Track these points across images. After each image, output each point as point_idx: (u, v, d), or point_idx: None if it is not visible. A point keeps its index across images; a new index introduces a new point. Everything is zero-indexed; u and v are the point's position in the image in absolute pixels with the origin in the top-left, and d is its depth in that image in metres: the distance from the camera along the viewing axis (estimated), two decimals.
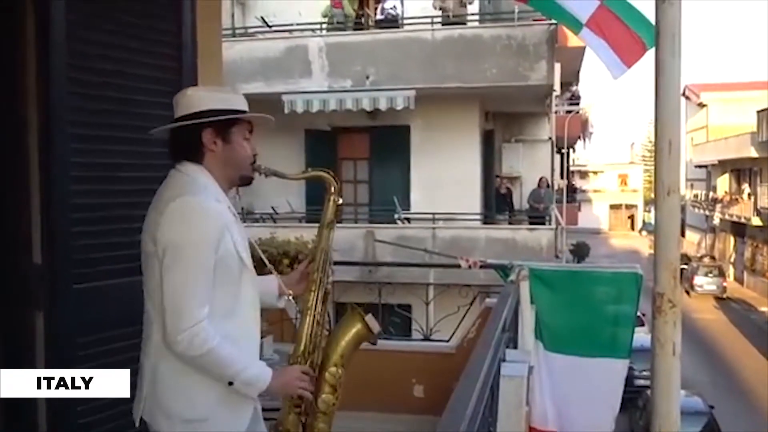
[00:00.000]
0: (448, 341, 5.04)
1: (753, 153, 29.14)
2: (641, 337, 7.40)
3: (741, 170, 33.48)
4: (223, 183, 2.16)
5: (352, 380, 3.85)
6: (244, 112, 2.19)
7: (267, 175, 2.26)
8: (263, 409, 2.34)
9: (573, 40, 19.05)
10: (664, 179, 2.59)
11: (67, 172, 2.75)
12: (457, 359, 4.87)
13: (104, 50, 2.90)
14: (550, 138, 15.67)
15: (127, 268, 2.91)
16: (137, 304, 2.92)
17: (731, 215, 32.95)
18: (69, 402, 2.61)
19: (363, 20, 13.40)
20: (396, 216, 12.68)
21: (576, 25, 4.89)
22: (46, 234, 2.72)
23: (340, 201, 2.36)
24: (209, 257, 2.02)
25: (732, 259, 35.55)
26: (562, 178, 22.59)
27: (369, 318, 2.32)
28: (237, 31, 13.20)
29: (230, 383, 2.05)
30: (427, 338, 5.22)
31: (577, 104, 24.75)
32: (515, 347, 3.90)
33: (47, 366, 2.70)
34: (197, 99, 2.15)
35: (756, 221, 29.35)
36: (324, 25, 12.84)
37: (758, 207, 28.96)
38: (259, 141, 2.32)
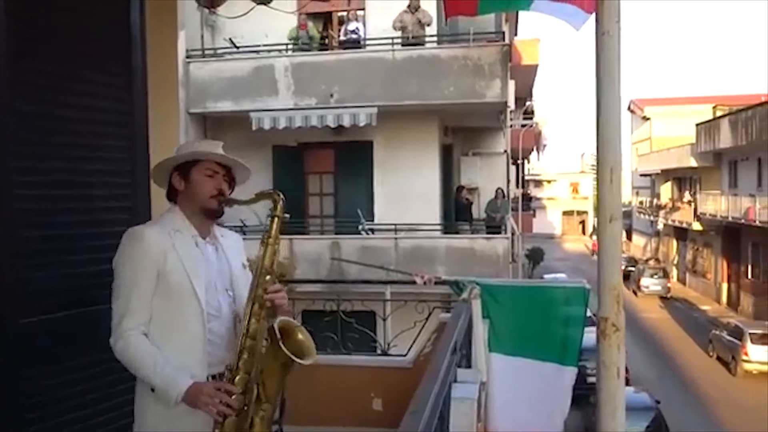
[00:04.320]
0: (405, 355, 4.90)
1: (693, 163, 29.70)
2: (593, 336, 7.36)
3: (682, 179, 34.05)
4: (196, 217, 2.32)
5: (312, 395, 3.68)
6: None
7: (226, 204, 2.34)
8: None
9: (526, 59, 19.33)
10: (606, 206, 2.50)
11: (12, 204, 2.55)
12: (414, 373, 4.74)
13: (50, 81, 2.71)
14: (506, 151, 15.67)
15: (75, 300, 2.74)
16: (85, 336, 2.75)
17: (674, 220, 33.47)
18: None
19: (327, 41, 13.29)
20: (360, 227, 12.55)
21: (525, 1, 4.58)
22: None
23: (287, 216, 2.30)
24: (138, 272, 2.17)
25: (675, 262, 36.08)
26: (517, 187, 22.73)
27: (298, 332, 2.20)
28: (206, 52, 12.99)
29: (152, 389, 2.13)
30: (385, 353, 5.08)
31: (531, 118, 24.95)
32: (469, 365, 3.78)
33: None
34: (168, 158, 2.38)
35: (696, 226, 29.84)
36: (290, 46, 12.71)
37: (698, 213, 29.44)
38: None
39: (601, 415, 2.61)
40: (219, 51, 13.12)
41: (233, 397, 2.12)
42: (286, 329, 2.18)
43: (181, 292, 2.20)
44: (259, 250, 2.27)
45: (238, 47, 13.01)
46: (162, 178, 2.37)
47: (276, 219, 2.28)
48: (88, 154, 2.84)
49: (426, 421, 2.06)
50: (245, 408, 2.15)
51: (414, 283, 4.83)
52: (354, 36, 12.79)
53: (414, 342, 4.86)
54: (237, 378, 2.16)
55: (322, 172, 13.51)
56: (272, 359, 2.16)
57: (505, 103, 12.49)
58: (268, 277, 2.23)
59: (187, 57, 12.46)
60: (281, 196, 2.29)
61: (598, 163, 2.48)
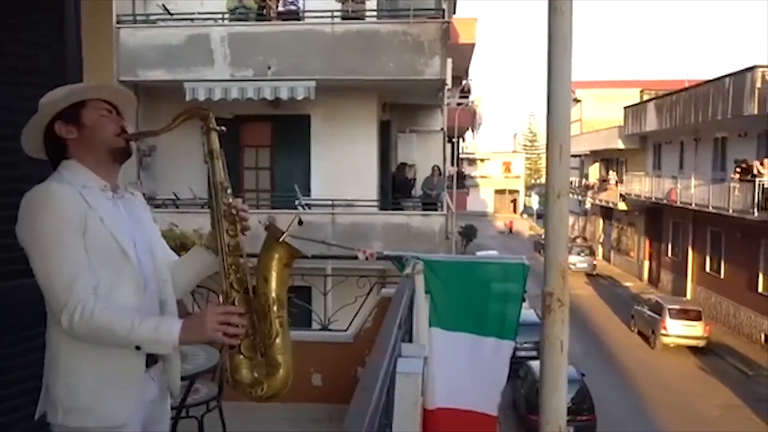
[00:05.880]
0: (346, 330, 4.88)
1: (620, 144, 30.66)
2: (523, 312, 7.57)
3: (609, 160, 35.11)
4: (101, 166, 2.02)
5: None
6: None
7: (137, 138, 2.11)
8: None
9: (464, 38, 19.39)
10: (554, 183, 2.51)
11: None
12: (354, 348, 4.74)
13: None
14: (443, 129, 15.76)
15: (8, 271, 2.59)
16: (17, 310, 2.60)
17: (601, 200, 34.54)
18: None
19: (265, 12, 12.98)
20: (297, 202, 12.42)
21: None
22: None
23: (223, 129, 2.09)
24: (68, 234, 1.86)
25: (601, 240, 37.33)
26: (452, 165, 22.95)
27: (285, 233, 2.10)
28: (138, 18, 12.47)
29: (137, 347, 1.89)
30: (325, 328, 5.04)
31: (467, 97, 25.12)
32: (410, 339, 3.78)
33: None
34: (39, 108, 2.04)
35: (622, 206, 30.91)
36: (227, 15, 12.35)
37: (623, 193, 30.48)
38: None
39: (543, 388, 2.64)
40: (151, 17, 12.61)
41: (240, 317, 1.96)
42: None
43: (110, 257, 1.93)
44: (207, 168, 2.08)
45: (171, 14, 12.55)
46: (36, 137, 2.04)
47: (212, 132, 2.08)
48: (17, 118, 2.66)
49: (376, 397, 2.04)
50: (255, 324, 2.00)
51: (356, 258, 4.79)
52: (293, 8, 12.53)
53: (355, 317, 4.85)
54: (236, 299, 2.00)
55: (258, 145, 13.24)
56: (271, 263, 2.04)
57: (444, 80, 12.48)
58: (229, 191, 2.07)
59: (118, 23, 11.93)
60: (207, 109, 2.10)
61: (547, 139, 2.48)
